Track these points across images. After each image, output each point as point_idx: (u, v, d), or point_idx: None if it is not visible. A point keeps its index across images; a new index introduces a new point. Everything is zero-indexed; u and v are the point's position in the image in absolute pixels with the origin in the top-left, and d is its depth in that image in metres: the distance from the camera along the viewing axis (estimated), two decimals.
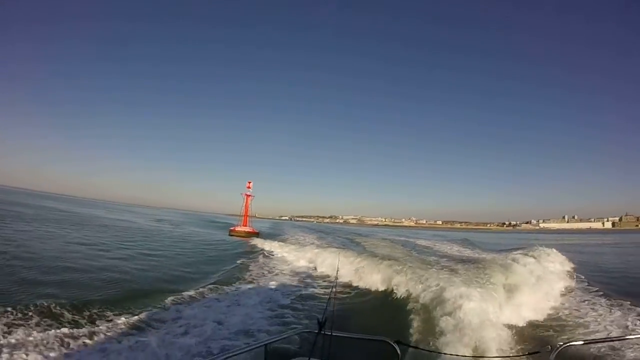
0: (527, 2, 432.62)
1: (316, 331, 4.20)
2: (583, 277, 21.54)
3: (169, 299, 14.49)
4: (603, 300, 15.72)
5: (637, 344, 9.62)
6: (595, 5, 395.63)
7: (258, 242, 43.10)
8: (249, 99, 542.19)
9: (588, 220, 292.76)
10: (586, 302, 15.80)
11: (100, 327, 11.14)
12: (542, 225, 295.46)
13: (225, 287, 17.65)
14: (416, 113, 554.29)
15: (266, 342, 4.43)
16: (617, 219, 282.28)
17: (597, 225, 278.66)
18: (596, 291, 17.64)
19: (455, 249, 42.29)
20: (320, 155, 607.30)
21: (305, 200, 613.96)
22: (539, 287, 16.78)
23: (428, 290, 14.31)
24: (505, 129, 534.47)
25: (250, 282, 19.70)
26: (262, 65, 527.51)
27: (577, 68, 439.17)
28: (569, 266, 25.09)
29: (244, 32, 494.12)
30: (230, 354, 3.99)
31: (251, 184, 63.84)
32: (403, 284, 16.36)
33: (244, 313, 13.67)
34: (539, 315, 13.67)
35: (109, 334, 10.79)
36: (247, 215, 61.82)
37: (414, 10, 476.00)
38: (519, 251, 29.25)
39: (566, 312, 14.53)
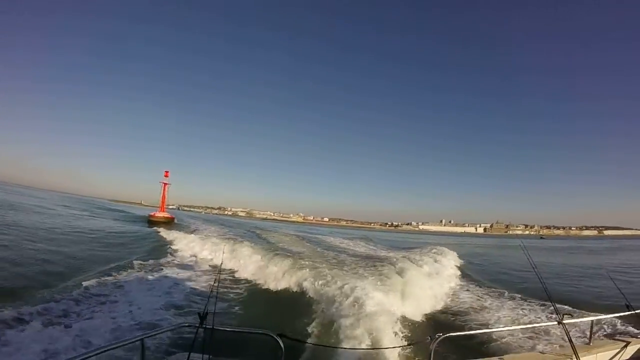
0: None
1: (197, 325, 4.24)
2: (470, 271, 24.46)
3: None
4: (480, 290, 18.56)
5: (506, 335, 10.97)
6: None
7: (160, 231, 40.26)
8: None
9: (463, 225, 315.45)
10: (470, 291, 18.09)
11: None
12: (421, 227, 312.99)
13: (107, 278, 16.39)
14: (311, 110, 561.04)
15: (143, 336, 4.18)
16: (488, 225, 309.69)
17: (471, 229, 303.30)
18: (478, 283, 20.61)
19: (351, 245, 43.66)
20: (209, 146, 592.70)
21: (193, 189, 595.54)
22: (433, 281, 18.09)
23: (321, 284, 14.69)
24: (388, 141, 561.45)
25: (131, 274, 17.89)
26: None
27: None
28: (459, 262, 27.83)
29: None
30: (104, 349, 3.76)
31: (168, 173, 67.47)
32: (296, 277, 16.56)
33: (122, 307, 12.84)
34: (429, 307, 14.68)
35: None
36: (164, 203, 64.93)
37: None
38: (417, 249, 30.95)
39: (455, 303, 16.13)
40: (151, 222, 55.28)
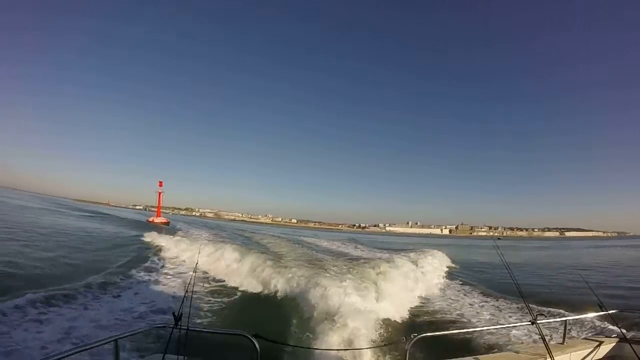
0: None
1: (171, 326, 4.17)
2: (449, 272, 25.16)
3: None
4: (457, 289, 19.29)
5: (481, 334, 11.16)
6: None
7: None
8: None
9: (429, 227, 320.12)
10: (446, 291, 18.81)
11: None
12: (388, 228, 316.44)
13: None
14: (278, 113, 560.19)
15: (116, 337, 4.14)
16: (453, 226, 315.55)
17: (437, 231, 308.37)
18: (456, 283, 21.39)
19: (334, 246, 44.45)
20: (175, 147, 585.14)
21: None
22: (410, 282, 18.24)
23: (298, 285, 14.74)
24: (355, 144, 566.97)
25: (107, 276, 17.20)
26: None
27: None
28: (447, 264, 28.70)
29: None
30: (77, 350, 3.69)
31: (162, 183, 77.89)
32: (274, 278, 16.50)
33: (96, 308, 12.53)
34: (405, 308, 14.82)
35: None
36: (159, 209, 75.71)
37: None
38: (399, 250, 31.23)
39: (431, 303, 16.44)
40: (150, 226, 59.92)
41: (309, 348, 8.86)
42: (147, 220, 67.26)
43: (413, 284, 18.13)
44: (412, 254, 28.35)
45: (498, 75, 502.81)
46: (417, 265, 23.15)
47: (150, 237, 32.23)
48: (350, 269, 18.35)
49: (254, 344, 4.48)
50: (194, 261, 20.55)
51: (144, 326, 4.94)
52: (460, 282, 21.96)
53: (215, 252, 22.60)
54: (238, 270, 18.95)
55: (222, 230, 59.98)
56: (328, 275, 16.07)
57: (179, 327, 4.13)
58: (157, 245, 28.04)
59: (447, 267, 28.25)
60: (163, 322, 5.19)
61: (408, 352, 4.83)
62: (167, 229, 53.28)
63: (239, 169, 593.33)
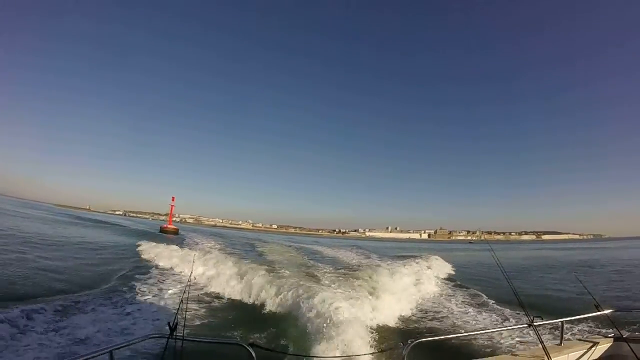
0: None
1: (167, 336, 4.12)
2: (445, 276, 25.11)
3: None
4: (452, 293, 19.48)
5: (478, 338, 11.21)
6: None
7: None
8: None
9: (408, 231, 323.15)
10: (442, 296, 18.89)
11: None
12: (368, 233, 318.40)
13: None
14: (259, 118, 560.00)
15: (112, 348, 3.97)
16: (432, 231, 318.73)
17: (416, 235, 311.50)
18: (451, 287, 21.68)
19: (330, 252, 44.52)
20: (155, 152, 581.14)
21: (140, 195, 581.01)
22: (405, 287, 18.33)
23: (294, 293, 14.56)
24: (334, 149, 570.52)
25: (102, 286, 17.29)
26: None
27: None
28: (444, 269, 28.65)
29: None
30: None
31: (174, 198, 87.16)
32: (269, 287, 16.38)
33: (92, 318, 12.26)
34: (401, 313, 14.83)
35: None
36: (171, 218, 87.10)
37: None
38: (396, 257, 31.19)
39: (427, 308, 16.43)
40: (163, 231, 71.99)
41: (306, 356, 8.85)
42: (161, 228, 76.28)
43: (409, 289, 18.22)
44: (409, 260, 28.73)
45: (481, 79, 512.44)
46: (413, 271, 23.43)
47: (146, 247, 31.66)
48: (347, 276, 18.40)
49: (250, 353, 4.35)
50: (189, 271, 20.48)
51: (139, 336, 4.75)
52: (457, 287, 22.08)
53: (211, 262, 22.38)
54: (233, 280, 18.74)
55: (222, 238, 60.40)
56: (324, 282, 16.10)
57: (174, 337, 4.09)
58: (152, 255, 27.54)
59: (444, 272, 28.26)
60: (158, 332, 4.98)
61: (405, 357, 4.70)
62: (176, 237, 58.35)
63: (218, 174, 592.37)
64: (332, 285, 15.68)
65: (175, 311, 4.89)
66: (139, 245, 32.60)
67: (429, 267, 26.83)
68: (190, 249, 32.88)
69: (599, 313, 6.11)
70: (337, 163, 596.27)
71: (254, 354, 4.38)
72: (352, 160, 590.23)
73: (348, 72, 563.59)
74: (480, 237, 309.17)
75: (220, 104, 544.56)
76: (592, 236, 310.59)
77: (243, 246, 46.83)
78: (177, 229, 77.10)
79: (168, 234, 67.79)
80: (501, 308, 15.78)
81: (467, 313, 15.46)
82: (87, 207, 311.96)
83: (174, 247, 31.02)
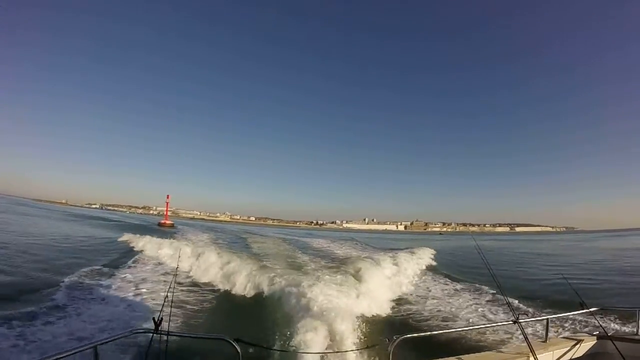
0: None
1: (152, 331, 4.15)
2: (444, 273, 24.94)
3: None
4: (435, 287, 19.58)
5: (464, 334, 11.28)
6: None
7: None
8: None
9: (385, 223, 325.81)
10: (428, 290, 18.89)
11: None
12: (345, 225, 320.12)
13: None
14: (235, 109, 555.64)
15: (96, 343, 3.97)
16: (408, 222, 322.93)
17: (392, 227, 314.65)
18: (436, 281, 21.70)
19: (316, 244, 44.71)
20: (131, 143, 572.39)
21: (117, 187, 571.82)
22: (392, 281, 18.55)
23: (280, 287, 14.62)
24: (312, 140, 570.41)
25: (87, 280, 16.60)
26: None
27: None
28: (430, 263, 28.84)
29: None
30: (56, 356, 3.55)
31: (169, 196, 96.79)
32: (255, 280, 16.38)
33: (75, 314, 11.94)
34: (387, 308, 14.88)
35: None
36: (167, 214, 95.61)
37: None
38: (382, 249, 31.22)
39: (413, 303, 16.37)
40: (160, 226, 78.92)
41: (292, 351, 8.83)
42: (159, 223, 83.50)
43: (396, 283, 18.36)
44: (397, 252, 28.90)
45: (455, 68, 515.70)
46: (400, 265, 23.36)
47: (132, 239, 31.17)
48: (334, 269, 18.46)
49: (236, 348, 4.39)
50: (175, 264, 20.22)
51: (124, 332, 4.68)
52: (443, 282, 21.95)
53: (197, 255, 22.12)
54: (219, 273, 18.67)
55: (212, 231, 60.39)
56: (310, 275, 16.12)
57: (159, 332, 4.11)
58: (138, 248, 27.12)
59: (430, 266, 28.33)
60: (143, 327, 4.90)
61: (391, 353, 4.78)
62: (171, 231, 60.55)
63: (194, 166, 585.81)
64: (319, 278, 15.59)
65: (160, 306, 4.86)
66: (126, 239, 32.02)
67: (414, 261, 26.82)
68: (178, 241, 32.36)
69: (584, 311, 6.25)
70: (314, 154, 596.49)
71: (239, 349, 4.41)
72: (329, 151, 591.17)
73: (331, 59, 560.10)
74: (455, 228, 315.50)
75: (193, 94, 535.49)
76: (564, 228, 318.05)
77: (232, 239, 46.86)
78: (173, 223, 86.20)
79: (165, 228, 75.08)
80: (487, 303, 15.84)
81: (452, 308, 15.42)
82: (64, 202, 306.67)
83: (164, 240, 30.40)
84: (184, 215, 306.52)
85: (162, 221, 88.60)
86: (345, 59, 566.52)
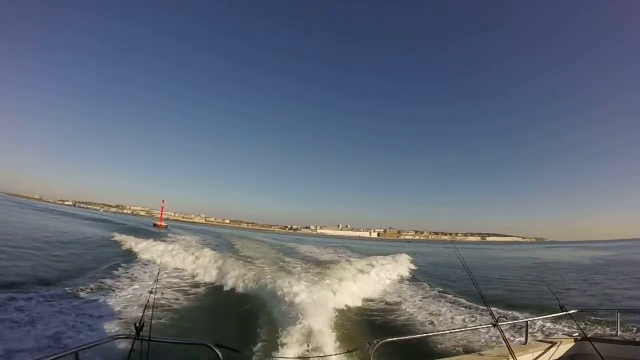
0: None
1: (133, 336, 4.11)
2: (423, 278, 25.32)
3: None
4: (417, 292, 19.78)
5: (444, 338, 11.30)
6: None
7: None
8: None
9: (358, 230, 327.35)
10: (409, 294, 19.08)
11: None
12: (319, 230, 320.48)
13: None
14: (214, 111, 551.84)
15: (77, 349, 3.88)
16: (382, 230, 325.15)
17: (365, 234, 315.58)
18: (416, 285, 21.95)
19: (300, 249, 45.25)
20: (107, 141, 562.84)
21: (90, 185, 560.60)
22: (371, 285, 18.75)
23: (261, 290, 14.72)
24: (288, 144, 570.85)
25: (66, 284, 16.18)
26: None
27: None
28: (411, 268, 29.52)
29: None
30: None
31: (164, 201, 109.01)
32: (239, 283, 16.42)
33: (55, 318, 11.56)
34: (368, 312, 15.07)
35: None
36: (162, 216, 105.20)
37: None
38: (363, 255, 31.39)
39: (393, 307, 16.41)
40: (156, 226, 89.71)
41: (272, 357, 8.85)
42: (154, 224, 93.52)
43: (375, 287, 18.53)
44: (378, 258, 29.14)
45: (435, 76, 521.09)
46: (379, 270, 23.57)
47: (115, 239, 31.27)
48: (316, 273, 18.55)
49: (217, 353, 4.30)
50: (157, 268, 20.23)
51: (104, 337, 4.56)
52: (423, 287, 22.09)
53: (180, 259, 22.18)
54: (202, 277, 18.69)
55: (199, 234, 61.77)
56: (292, 278, 16.09)
57: (140, 337, 4.06)
58: (121, 252, 26.85)
59: (410, 271, 28.81)
60: (124, 332, 4.76)
61: (372, 357, 4.71)
62: (162, 232, 64.71)
63: (168, 166, 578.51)
64: (300, 281, 15.63)
65: (142, 311, 4.77)
66: (113, 239, 32.10)
67: (394, 266, 27.26)
68: (167, 243, 32.23)
69: (563, 313, 6.33)
70: (290, 160, 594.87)
71: (220, 355, 4.33)
72: (305, 157, 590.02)
73: (310, 63, 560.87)
74: (427, 236, 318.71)
75: (172, 93, 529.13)
76: (535, 239, 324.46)
77: (217, 241, 47.08)
78: (167, 225, 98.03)
79: (160, 229, 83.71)
80: (466, 307, 16.03)
81: (433, 313, 15.54)
82: (39, 197, 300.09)
83: (145, 243, 30.04)
84: (158, 215, 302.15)
85: (158, 223, 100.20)
86: (320, 62, 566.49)
